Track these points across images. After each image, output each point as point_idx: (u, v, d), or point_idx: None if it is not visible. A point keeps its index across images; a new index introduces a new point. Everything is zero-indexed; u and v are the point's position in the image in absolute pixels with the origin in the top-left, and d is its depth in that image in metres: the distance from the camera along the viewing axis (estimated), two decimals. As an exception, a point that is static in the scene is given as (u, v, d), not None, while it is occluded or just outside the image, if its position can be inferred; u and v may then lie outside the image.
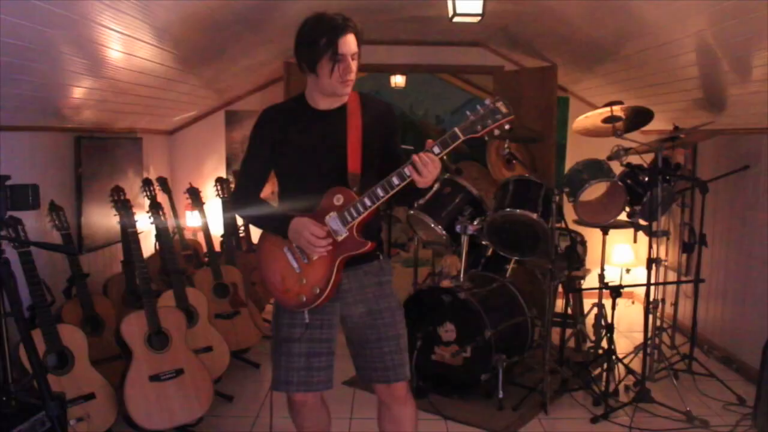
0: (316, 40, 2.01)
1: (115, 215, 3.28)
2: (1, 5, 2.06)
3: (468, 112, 1.96)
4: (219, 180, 4.46)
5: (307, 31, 2.05)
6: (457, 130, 1.95)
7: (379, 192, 2.00)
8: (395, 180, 1.99)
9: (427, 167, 1.94)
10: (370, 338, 2.20)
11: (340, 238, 2.06)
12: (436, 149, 1.96)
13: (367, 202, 2.02)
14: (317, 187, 2.10)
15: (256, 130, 2.20)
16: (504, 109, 1.94)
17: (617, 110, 3.68)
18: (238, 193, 2.24)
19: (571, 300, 4.00)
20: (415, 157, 1.95)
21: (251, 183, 2.21)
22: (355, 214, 2.03)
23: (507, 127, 1.96)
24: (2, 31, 2.21)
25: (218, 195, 4.43)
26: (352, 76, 2.06)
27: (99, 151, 3.96)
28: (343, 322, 2.25)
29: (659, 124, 4.22)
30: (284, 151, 2.15)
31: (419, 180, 1.96)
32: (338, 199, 2.06)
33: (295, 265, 2.12)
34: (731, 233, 4.11)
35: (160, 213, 3.45)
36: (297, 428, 2.38)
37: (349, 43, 2.02)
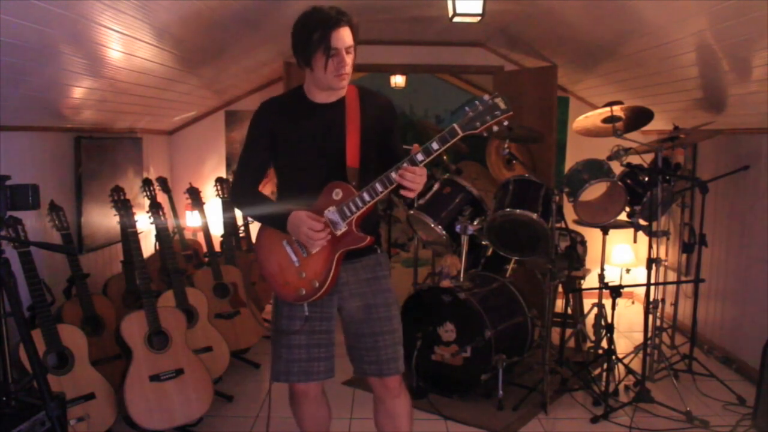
0: (309, 34, 2.01)
1: (115, 215, 3.28)
2: (1, 5, 2.06)
3: (467, 108, 1.94)
4: (219, 180, 4.46)
5: (301, 26, 2.06)
6: (456, 126, 1.95)
7: (378, 187, 2.00)
8: (394, 175, 1.99)
9: (411, 181, 1.95)
10: (365, 332, 2.21)
11: (339, 233, 2.06)
12: (420, 156, 1.96)
13: (366, 197, 2.02)
14: (316, 181, 2.10)
15: (254, 122, 2.20)
16: (503, 106, 1.93)
17: (617, 110, 3.68)
18: (237, 186, 2.23)
19: (571, 300, 4.00)
20: (393, 175, 1.95)
21: (249, 175, 2.20)
22: (354, 209, 2.04)
23: (505, 123, 1.95)
24: (2, 31, 2.21)
25: (218, 195, 4.43)
26: (347, 69, 2.05)
27: (99, 151, 3.96)
28: (339, 313, 2.26)
29: (659, 124, 4.23)
30: (282, 144, 2.15)
31: (406, 192, 1.97)
32: (337, 194, 2.06)
33: (294, 258, 2.12)
34: (731, 233, 4.11)
35: (160, 213, 3.45)
36: (297, 421, 2.38)
37: (343, 36, 2.01)
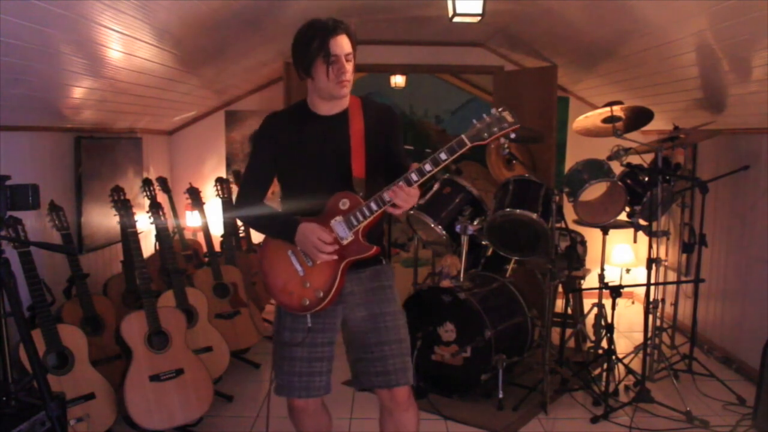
0: (309, 43, 2.03)
1: (115, 215, 3.28)
2: (1, 5, 2.06)
3: (474, 121, 1.98)
4: (219, 180, 4.45)
5: (300, 36, 2.07)
6: (464, 137, 1.97)
7: (386, 197, 2.00)
8: (402, 184, 1.98)
9: (403, 199, 1.95)
10: (372, 341, 2.19)
11: (345, 242, 2.06)
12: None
13: (374, 206, 2.02)
14: (322, 193, 2.10)
15: (258, 137, 2.21)
16: (510, 119, 1.96)
17: (617, 110, 3.68)
18: (242, 200, 2.22)
19: (571, 300, 4.00)
20: (390, 193, 1.96)
21: (255, 190, 2.21)
22: (361, 218, 2.03)
23: (513, 136, 1.98)
24: (2, 31, 2.21)
25: (218, 195, 4.43)
26: (347, 76, 2.06)
27: (99, 151, 3.96)
28: (345, 325, 2.24)
29: (659, 124, 4.23)
30: (287, 157, 2.15)
31: (394, 210, 1.98)
32: (344, 204, 2.06)
33: (298, 268, 2.12)
34: (731, 233, 4.11)
35: (160, 213, 3.45)
36: None
37: (341, 44, 2.03)
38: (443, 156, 1.96)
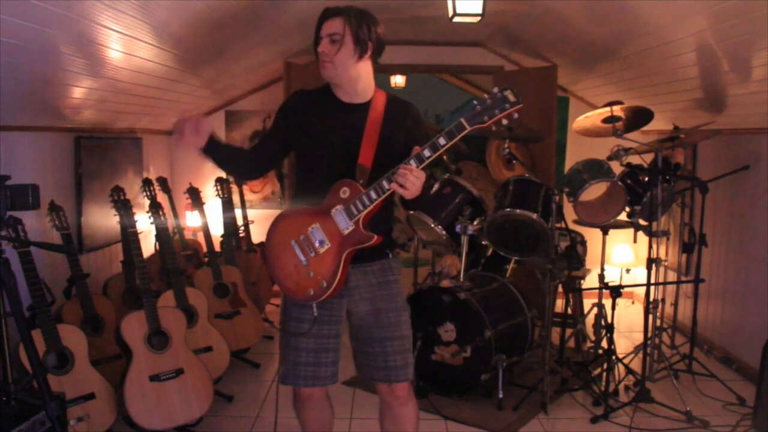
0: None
1: (115, 215, 3.28)
2: (1, 5, 2.06)
3: (474, 102, 1.91)
4: (219, 180, 4.45)
5: None
6: (463, 120, 1.92)
7: (385, 184, 1.98)
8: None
9: (406, 178, 1.93)
10: (374, 336, 2.20)
11: (346, 232, 2.05)
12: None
13: (373, 194, 2.00)
14: (328, 178, 2.09)
15: (281, 109, 2.24)
16: (512, 98, 1.91)
17: (617, 110, 3.68)
18: None
19: (571, 300, 3.99)
20: (398, 173, 1.95)
21: (255, 149, 2.30)
22: (361, 207, 2.02)
23: (516, 116, 1.92)
24: (2, 31, 2.21)
25: (218, 195, 4.43)
26: (326, 57, 2.05)
27: (99, 151, 3.96)
28: (349, 317, 2.25)
29: (659, 124, 4.23)
30: (304, 138, 2.16)
31: (403, 192, 1.95)
32: (344, 192, 2.05)
33: (302, 258, 2.11)
34: (731, 233, 4.11)
35: (160, 213, 3.45)
36: (301, 423, 2.38)
37: (329, 25, 2.04)
38: (442, 141, 1.92)
